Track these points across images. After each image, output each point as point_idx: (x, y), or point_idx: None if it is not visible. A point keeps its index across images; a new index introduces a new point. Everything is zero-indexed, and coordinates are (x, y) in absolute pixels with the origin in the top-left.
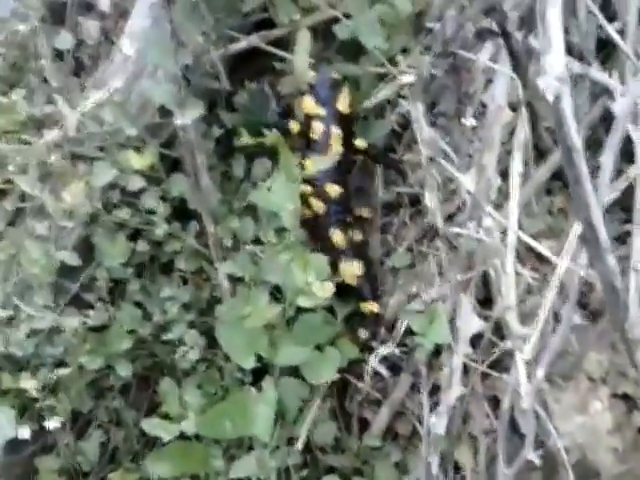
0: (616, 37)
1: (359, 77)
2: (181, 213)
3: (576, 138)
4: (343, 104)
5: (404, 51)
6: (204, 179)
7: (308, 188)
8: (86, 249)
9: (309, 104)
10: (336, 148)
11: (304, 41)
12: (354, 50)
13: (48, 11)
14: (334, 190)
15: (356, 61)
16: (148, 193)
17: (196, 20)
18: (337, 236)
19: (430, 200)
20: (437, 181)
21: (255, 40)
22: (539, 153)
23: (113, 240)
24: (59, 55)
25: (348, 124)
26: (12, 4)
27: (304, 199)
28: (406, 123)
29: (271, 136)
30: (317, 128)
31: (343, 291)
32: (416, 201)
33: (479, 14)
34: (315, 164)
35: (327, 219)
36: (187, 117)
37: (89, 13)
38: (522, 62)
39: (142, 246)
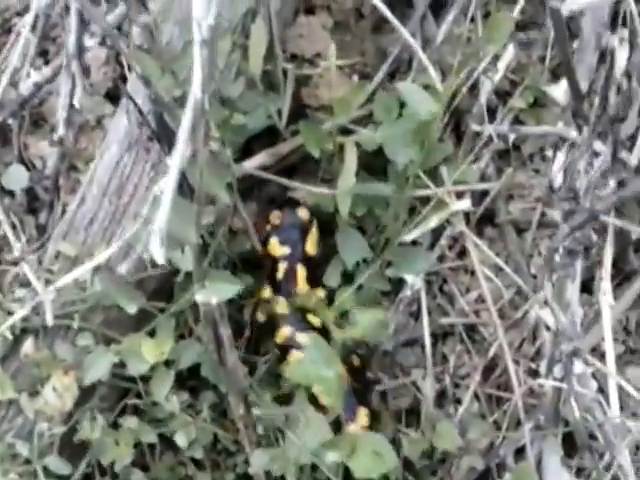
0: None
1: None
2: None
3: None
4: (311, 246)
5: (445, 160)
6: (231, 358)
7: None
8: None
9: (274, 246)
10: (302, 287)
11: (352, 157)
12: (384, 162)
13: None
14: None
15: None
16: (156, 376)
17: (220, 170)
18: None
19: (491, 333)
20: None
21: (263, 159)
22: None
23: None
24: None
25: (314, 265)
26: None
27: None
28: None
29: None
30: (282, 269)
31: None
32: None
33: None
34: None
35: None
36: (213, 296)
37: (39, 131)
38: None
39: (150, 437)
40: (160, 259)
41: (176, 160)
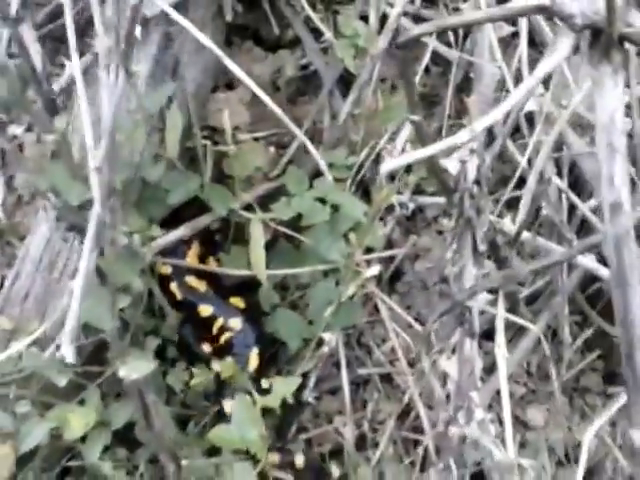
0: None
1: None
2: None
3: None
4: (191, 258)
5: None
6: (158, 423)
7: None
8: None
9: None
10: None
11: (258, 234)
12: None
13: None
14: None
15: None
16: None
17: (132, 258)
18: None
19: (404, 381)
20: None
21: (184, 232)
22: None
23: None
24: None
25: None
26: None
27: None
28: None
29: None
30: (174, 286)
31: None
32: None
33: None
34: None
35: None
36: (133, 373)
37: None
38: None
39: None
40: (71, 358)
41: (82, 270)
